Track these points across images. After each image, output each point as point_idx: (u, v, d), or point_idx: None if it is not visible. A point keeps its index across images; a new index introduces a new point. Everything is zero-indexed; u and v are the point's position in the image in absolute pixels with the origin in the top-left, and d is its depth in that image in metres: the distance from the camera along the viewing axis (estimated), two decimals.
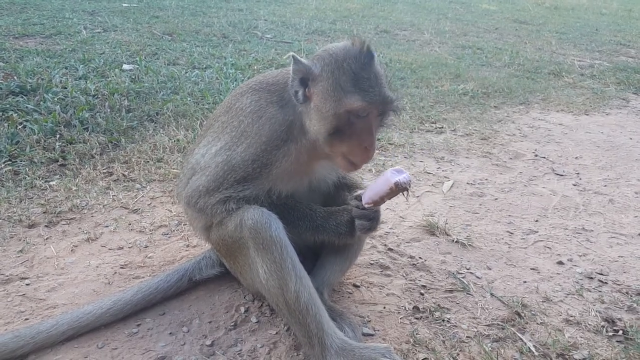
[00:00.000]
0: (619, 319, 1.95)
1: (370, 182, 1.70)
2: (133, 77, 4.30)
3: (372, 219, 1.67)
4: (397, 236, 2.51)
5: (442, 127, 4.14)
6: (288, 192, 1.74)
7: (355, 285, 2.10)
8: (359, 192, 1.70)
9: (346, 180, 1.94)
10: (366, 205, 1.63)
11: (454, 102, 4.79)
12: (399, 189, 1.56)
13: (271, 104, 1.68)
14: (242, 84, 1.86)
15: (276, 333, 1.80)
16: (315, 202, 1.86)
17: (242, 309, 1.91)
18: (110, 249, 2.22)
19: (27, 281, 1.99)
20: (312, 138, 1.63)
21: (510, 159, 3.64)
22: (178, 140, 3.27)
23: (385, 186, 1.57)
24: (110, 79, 4.16)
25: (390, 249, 2.38)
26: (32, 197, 2.54)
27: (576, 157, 3.76)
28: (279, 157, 1.65)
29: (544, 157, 3.71)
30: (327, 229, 1.70)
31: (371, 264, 2.26)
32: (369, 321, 1.90)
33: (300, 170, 1.73)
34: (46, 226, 2.33)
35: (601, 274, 2.28)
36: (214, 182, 1.68)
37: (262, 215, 1.59)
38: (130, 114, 3.56)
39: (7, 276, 2.01)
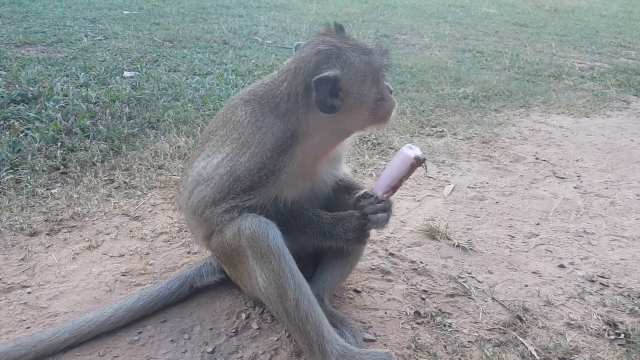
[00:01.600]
0: (621, 322, 1.94)
1: (383, 172, 1.71)
2: (134, 84, 4.32)
3: (386, 209, 1.69)
4: (398, 241, 2.50)
5: (443, 131, 4.15)
6: (294, 199, 1.74)
7: (356, 291, 2.10)
8: (362, 191, 1.71)
9: (344, 183, 1.94)
10: (384, 196, 1.65)
11: (455, 105, 4.79)
12: (419, 162, 1.61)
13: (265, 114, 1.69)
14: (234, 96, 1.87)
15: (277, 339, 1.80)
16: (318, 207, 1.87)
17: (243, 316, 1.91)
18: (111, 257, 2.23)
19: (28, 289, 2.00)
20: (321, 137, 1.67)
21: (511, 162, 3.64)
22: (179, 146, 3.28)
23: (405, 165, 1.61)
24: (111, 86, 4.19)
25: (391, 254, 2.38)
26: (33, 205, 2.55)
27: (577, 160, 3.75)
28: (286, 162, 1.65)
29: (545, 160, 3.71)
30: (335, 235, 1.71)
31: (372, 269, 2.26)
32: (370, 326, 1.90)
33: (305, 174, 1.74)
34: (48, 234, 2.34)
35: (603, 277, 2.28)
36: (219, 192, 1.68)
37: (259, 225, 1.59)
38: (131, 121, 3.58)
39: (8, 284, 2.01)
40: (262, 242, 1.59)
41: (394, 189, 1.63)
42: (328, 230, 1.70)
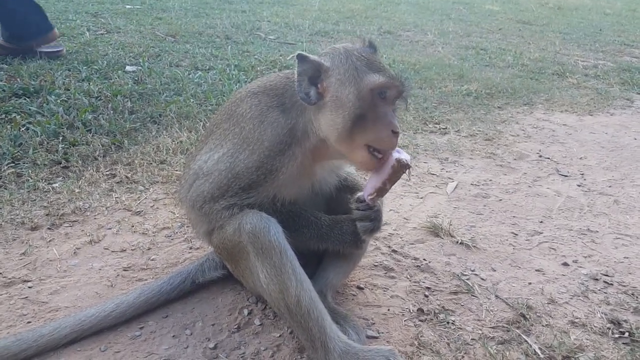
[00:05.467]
0: (625, 321, 1.93)
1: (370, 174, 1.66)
2: (136, 78, 4.30)
3: (373, 219, 1.66)
4: (401, 238, 2.49)
5: (446, 128, 4.13)
6: (292, 198, 1.73)
7: (359, 287, 2.09)
8: (359, 194, 1.69)
9: (347, 182, 1.92)
10: (369, 198, 1.59)
11: (458, 102, 4.77)
12: (402, 166, 1.53)
13: (271, 108, 1.67)
14: (241, 89, 1.84)
15: (280, 336, 1.79)
16: (318, 206, 1.85)
17: (246, 312, 1.90)
18: (113, 252, 2.22)
19: (29, 284, 1.99)
20: (319, 138, 1.61)
21: (515, 159, 3.62)
22: (181, 141, 3.27)
23: (387, 167, 1.54)
24: (113, 80, 4.17)
25: (394, 251, 2.37)
26: (34, 200, 2.54)
27: (580, 158, 3.73)
28: (284, 162, 1.63)
29: (548, 158, 3.68)
30: (332, 237, 1.70)
31: (375, 265, 2.25)
32: (373, 323, 1.89)
33: (304, 174, 1.72)
34: (49, 228, 2.33)
35: (606, 275, 2.26)
36: (218, 189, 1.67)
37: (260, 220, 1.58)
38: (133, 115, 3.56)
39: (9, 279, 2.00)
40: (263, 237, 1.57)
41: (378, 191, 1.57)
42: (326, 233, 1.69)
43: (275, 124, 1.64)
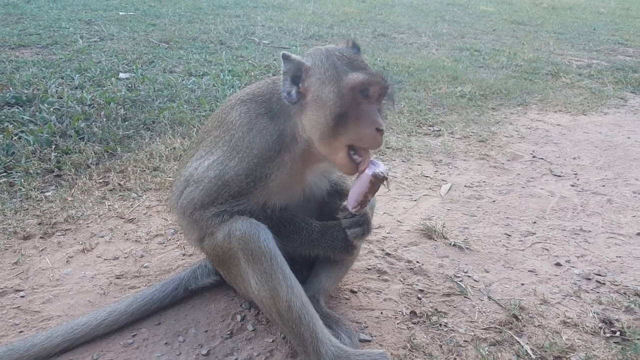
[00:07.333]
0: (617, 320, 1.93)
1: (352, 186, 1.68)
2: (129, 85, 4.31)
3: (362, 224, 1.66)
4: (394, 240, 2.50)
5: (440, 130, 4.14)
6: (282, 205, 1.73)
7: (352, 291, 2.09)
8: (344, 203, 1.69)
9: (338, 187, 1.93)
10: (353, 210, 1.62)
11: (452, 104, 4.79)
12: (378, 179, 1.55)
13: (260, 115, 1.68)
14: (232, 96, 1.86)
15: (272, 341, 1.79)
16: (310, 212, 1.86)
17: (239, 317, 1.90)
18: (105, 259, 2.22)
19: (22, 293, 1.98)
20: (307, 142, 1.61)
21: (508, 160, 3.63)
22: (174, 148, 3.27)
23: (365, 182, 1.56)
24: (106, 88, 4.18)
25: (387, 254, 2.37)
26: (27, 209, 2.54)
27: (574, 158, 3.74)
28: (273, 170, 1.64)
29: (542, 158, 3.70)
30: (323, 243, 1.70)
31: (368, 269, 2.25)
32: (366, 327, 1.89)
33: (295, 180, 1.73)
34: (41, 237, 2.33)
35: (599, 275, 2.27)
36: (208, 196, 1.67)
37: (250, 226, 1.58)
38: (127, 122, 3.57)
39: (1, 288, 2.00)
40: (253, 243, 1.58)
41: (361, 203, 1.59)
42: (317, 239, 1.70)
43: (264, 131, 1.65)
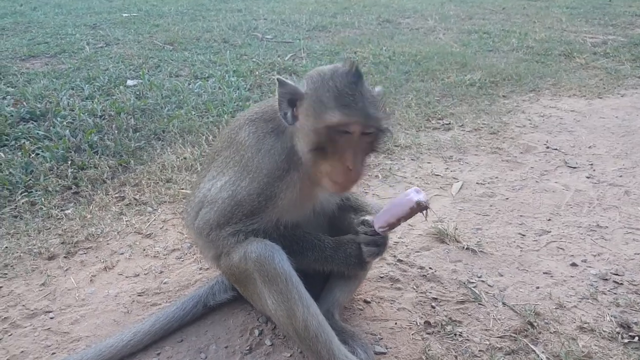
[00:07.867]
0: (635, 324, 1.93)
1: (385, 205, 1.70)
2: (137, 93, 4.35)
3: (380, 244, 1.68)
4: (406, 246, 2.51)
5: (450, 123, 4.08)
6: (295, 221, 1.76)
7: (365, 301, 2.13)
8: (367, 217, 1.71)
9: (350, 202, 1.94)
10: (379, 230, 1.64)
11: (461, 94, 4.70)
12: (420, 207, 1.58)
13: (268, 134, 1.70)
14: (239, 116, 1.87)
15: (290, 355, 1.84)
16: (321, 227, 1.88)
17: (256, 332, 1.95)
18: (127, 277, 2.29)
19: (51, 314, 2.07)
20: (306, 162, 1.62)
21: (521, 153, 3.58)
22: (185, 158, 3.31)
23: (406, 206, 1.59)
24: (115, 97, 4.23)
25: (399, 260, 2.39)
26: (49, 228, 2.62)
27: (589, 147, 3.66)
28: (282, 189, 1.66)
29: (556, 149, 3.63)
30: (336, 259, 1.72)
31: (381, 277, 2.28)
32: (381, 339, 1.92)
33: (305, 197, 1.75)
34: (65, 257, 2.42)
35: (616, 274, 2.25)
36: (222, 216, 1.71)
37: (265, 248, 1.62)
38: (138, 133, 3.62)
39: (32, 310, 2.09)
40: (268, 265, 1.61)
41: (391, 225, 1.62)
42: (330, 255, 1.72)
43: (272, 150, 1.67)
